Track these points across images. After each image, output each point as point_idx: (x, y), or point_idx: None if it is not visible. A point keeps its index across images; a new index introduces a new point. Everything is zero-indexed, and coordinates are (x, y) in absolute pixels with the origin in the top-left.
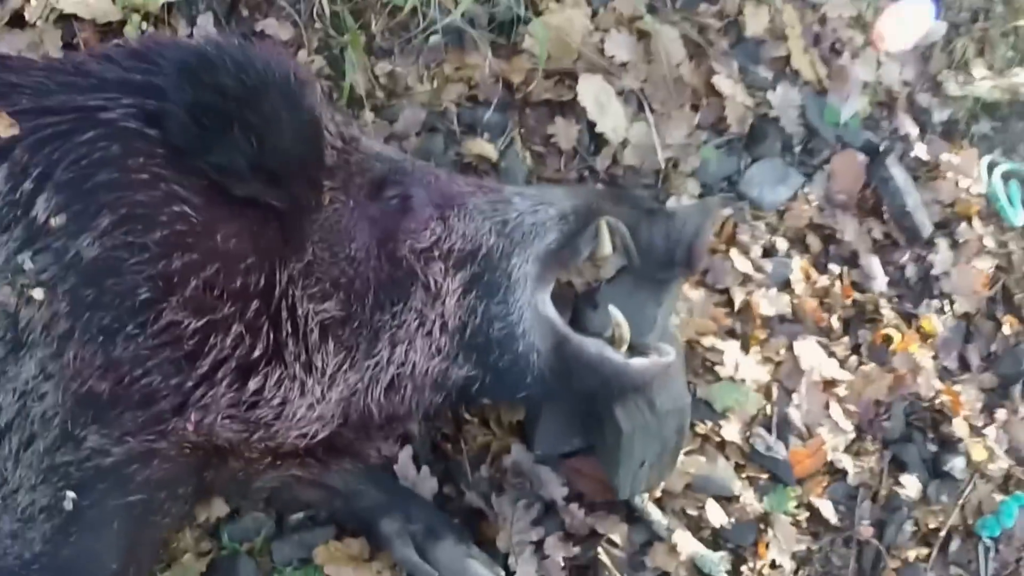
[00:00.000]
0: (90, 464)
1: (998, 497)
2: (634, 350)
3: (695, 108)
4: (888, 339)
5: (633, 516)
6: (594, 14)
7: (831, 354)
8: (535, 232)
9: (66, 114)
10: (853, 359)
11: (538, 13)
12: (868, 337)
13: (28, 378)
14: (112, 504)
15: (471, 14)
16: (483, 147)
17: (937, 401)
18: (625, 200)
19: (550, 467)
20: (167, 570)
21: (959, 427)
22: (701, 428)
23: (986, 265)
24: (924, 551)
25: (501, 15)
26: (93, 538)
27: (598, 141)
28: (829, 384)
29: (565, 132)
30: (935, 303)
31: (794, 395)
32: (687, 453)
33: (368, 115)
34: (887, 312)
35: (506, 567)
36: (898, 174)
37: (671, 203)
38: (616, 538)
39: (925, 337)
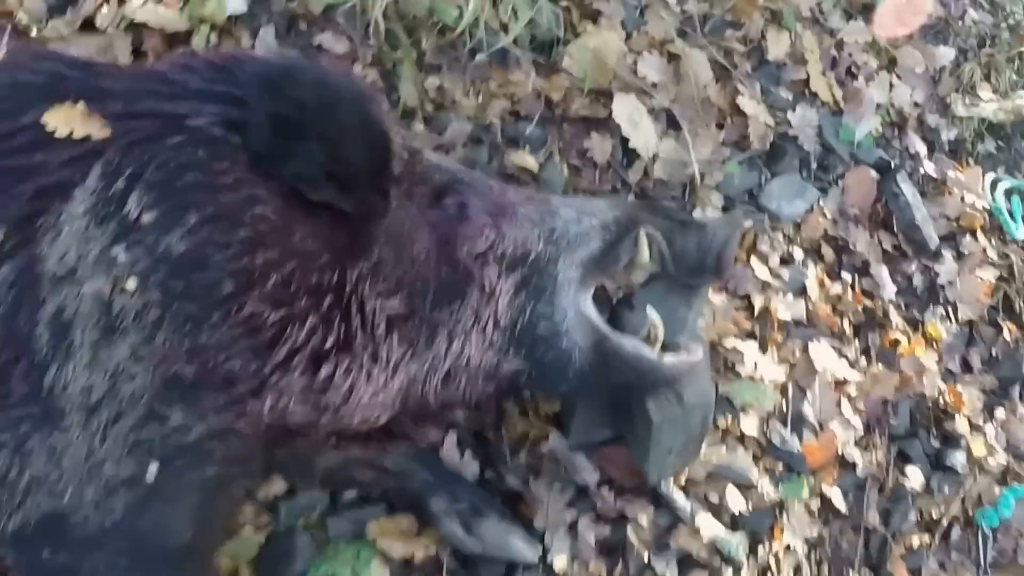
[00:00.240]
0: (172, 440)
1: (996, 489)
2: (666, 348)
3: (720, 126)
4: (896, 343)
5: (659, 500)
6: (628, 37)
7: (842, 356)
8: (579, 240)
9: (154, 119)
10: (863, 361)
11: (576, 35)
12: (877, 341)
13: (120, 360)
14: (190, 477)
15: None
16: (525, 159)
17: (940, 400)
18: (660, 212)
19: (584, 454)
20: (229, 542)
21: (961, 424)
22: (722, 422)
23: (988, 275)
24: (927, 539)
25: (542, 36)
26: (170, 508)
27: (630, 155)
28: (840, 383)
29: (600, 146)
30: (940, 310)
31: (808, 393)
32: (709, 444)
33: (418, 126)
34: (895, 318)
35: (542, 545)
36: (907, 190)
37: (697, 214)
38: (643, 520)
39: (930, 341)
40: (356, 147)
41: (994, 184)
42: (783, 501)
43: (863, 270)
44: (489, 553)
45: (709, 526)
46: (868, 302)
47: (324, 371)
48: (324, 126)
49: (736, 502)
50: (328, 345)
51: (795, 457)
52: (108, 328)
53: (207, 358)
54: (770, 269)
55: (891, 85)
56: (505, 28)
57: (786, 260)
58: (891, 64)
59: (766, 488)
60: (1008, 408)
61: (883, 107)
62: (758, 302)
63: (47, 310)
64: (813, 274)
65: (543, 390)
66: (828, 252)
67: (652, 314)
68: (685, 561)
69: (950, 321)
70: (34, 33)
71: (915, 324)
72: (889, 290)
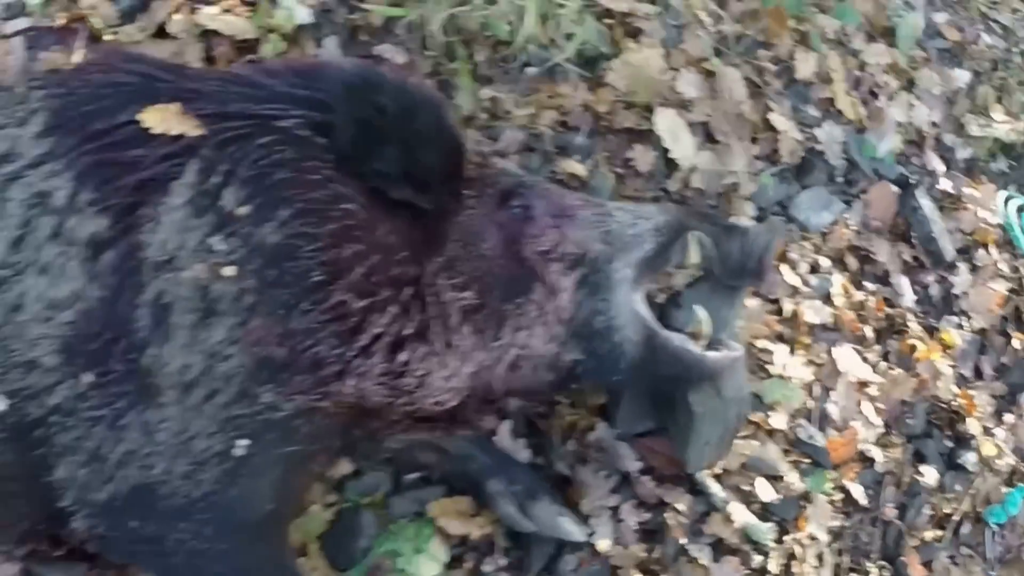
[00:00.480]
0: (261, 417)
1: (1004, 489)
2: (709, 345)
3: (754, 140)
4: (913, 348)
5: (696, 489)
6: (667, 54)
7: (864, 359)
8: (633, 241)
9: (245, 120)
10: (883, 364)
11: (619, 52)
12: (896, 346)
13: (216, 342)
14: (276, 453)
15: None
16: (574, 166)
17: (954, 404)
18: (707, 217)
19: (627, 444)
20: (298, 519)
21: (972, 427)
22: (753, 417)
23: (1000, 287)
24: (939, 533)
25: (588, 52)
26: (255, 481)
27: (671, 166)
28: (862, 385)
29: (643, 157)
30: (955, 319)
31: (832, 393)
32: (742, 437)
33: (473, 134)
34: (913, 325)
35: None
36: (926, 204)
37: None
38: (681, 507)
39: (945, 348)
40: (432, 150)
41: (1007, 201)
42: (808, 493)
43: (884, 279)
44: (541, 532)
45: (740, 514)
46: (889, 309)
47: (402, 357)
48: (403, 130)
49: (766, 492)
50: (406, 333)
51: (820, 452)
52: (206, 312)
53: (297, 342)
54: (799, 276)
55: (911, 105)
56: (554, 42)
57: (814, 268)
58: (910, 85)
59: (793, 480)
60: (1016, 413)
61: (903, 126)
62: (787, 306)
63: (147, 294)
64: (838, 282)
65: (596, 380)
66: (852, 261)
67: (701, 312)
68: (717, 546)
69: (964, 329)
70: (107, 38)
71: (931, 331)
72: (908, 299)
